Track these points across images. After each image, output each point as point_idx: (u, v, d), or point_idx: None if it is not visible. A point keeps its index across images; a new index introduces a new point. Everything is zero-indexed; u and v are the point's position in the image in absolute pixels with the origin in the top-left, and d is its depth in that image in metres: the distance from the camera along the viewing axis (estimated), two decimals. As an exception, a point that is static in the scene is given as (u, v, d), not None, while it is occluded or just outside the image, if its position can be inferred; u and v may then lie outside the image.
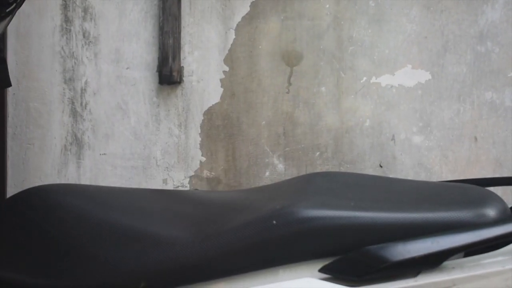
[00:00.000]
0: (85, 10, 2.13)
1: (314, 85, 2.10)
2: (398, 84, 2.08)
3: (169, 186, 2.12)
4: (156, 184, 2.12)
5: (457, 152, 2.07)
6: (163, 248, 0.90)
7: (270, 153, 2.11)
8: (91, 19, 2.13)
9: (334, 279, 0.86)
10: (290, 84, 2.10)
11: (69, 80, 2.13)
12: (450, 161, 2.07)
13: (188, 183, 2.12)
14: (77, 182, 2.12)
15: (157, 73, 2.12)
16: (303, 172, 2.09)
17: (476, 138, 2.07)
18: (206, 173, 2.12)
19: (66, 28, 2.13)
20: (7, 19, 1.17)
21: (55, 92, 2.13)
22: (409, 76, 2.08)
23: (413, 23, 2.09)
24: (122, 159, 2.13)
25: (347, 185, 1.02)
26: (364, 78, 2.09)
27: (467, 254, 0.90)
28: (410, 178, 2.06)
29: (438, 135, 2.07)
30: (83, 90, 2.12)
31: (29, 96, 2.14)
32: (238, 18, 2.12)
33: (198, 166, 2.12)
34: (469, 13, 2.08)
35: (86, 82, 2.12)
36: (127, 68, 2.13)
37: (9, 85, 1.22)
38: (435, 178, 2.06)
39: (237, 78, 2.12)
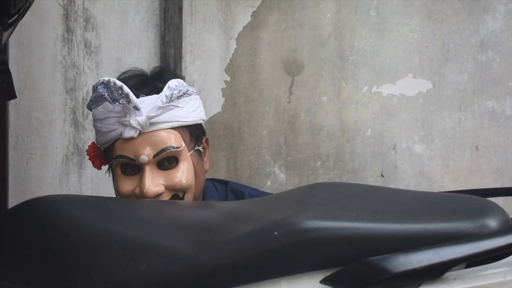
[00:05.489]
0: (87, 20, 2.13)
1: (315, 95, 2.10)
2: (399, 93, 2.09)
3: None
4: (157, 193, 2.11)
5: (458, 161, 2.07)
6: (164, 258, 0.90)
7: (272, 162, 2.11)
8: (92, 29, 2.13)
9: (335, 290, 0.86)
10: (291, 93, 2.11)
11: (70, 89, 2.14)
12: (451, 170, 2.07)
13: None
14: (79, 192, 2.12)
15: (158, 83, 2.12)
16: (304, 182, 2.09)
17: (477, 147, 2.07)
18: (207, 182, 2.12)
19: (67, 38, 2.13)
20: (10, 30, 1.18)
21: (57, 102, 2.14)
22: (410, 85, 2.09)
23: (414, 33, 2.09)
24: (123, 169, 2.13)
25: (348, 196, 1.01)
26: (366, 88, 2.09)
27: (468, 265, 0.90)
28: (411, 187, 2.06)
29: (440, 144, 2.07)
30: (85, 100, 2.12)
31: (30, 105, 2.14)
32: (239, 28, 2.12)
33: (200, 176, 2.12)
34: (470, 22, 2.08)
35: (87, 92, 2.13)
36: (129, 78, 2.13)
37: (14, 96, 1.20)
38: (436, 187, 2.06)
39: (239, 88, 2.12)
